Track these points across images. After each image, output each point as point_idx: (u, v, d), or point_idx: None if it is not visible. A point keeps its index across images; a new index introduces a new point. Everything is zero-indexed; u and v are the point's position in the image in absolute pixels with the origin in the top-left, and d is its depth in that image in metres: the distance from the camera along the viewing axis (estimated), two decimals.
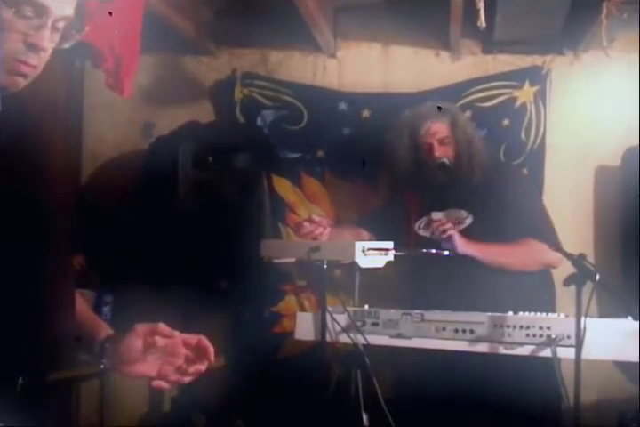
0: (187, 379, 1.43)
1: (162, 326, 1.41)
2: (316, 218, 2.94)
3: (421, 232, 3.02)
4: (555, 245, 2.75)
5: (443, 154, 2.99)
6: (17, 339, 1.24)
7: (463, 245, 2.79)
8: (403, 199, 3.15)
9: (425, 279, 3.01)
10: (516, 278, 2.88)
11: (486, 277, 2.87)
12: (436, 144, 3.00)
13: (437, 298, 2.83)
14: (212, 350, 1.42)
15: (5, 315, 1.23)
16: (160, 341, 1.39)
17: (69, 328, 1.39)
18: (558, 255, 2.78)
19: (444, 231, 2.76)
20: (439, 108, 3.06)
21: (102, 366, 1.42)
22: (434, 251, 2.70)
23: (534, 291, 2.91)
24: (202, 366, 1.43)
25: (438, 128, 3.02)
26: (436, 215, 3.01)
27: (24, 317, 1.26)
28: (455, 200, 2.99)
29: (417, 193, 3.11)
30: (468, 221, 2.95)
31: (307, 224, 2.90)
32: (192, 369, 1.42)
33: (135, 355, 1.40)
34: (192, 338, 1.43)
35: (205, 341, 1.43)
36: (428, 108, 3.09)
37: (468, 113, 3.47)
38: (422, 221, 3.05)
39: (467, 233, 2.89)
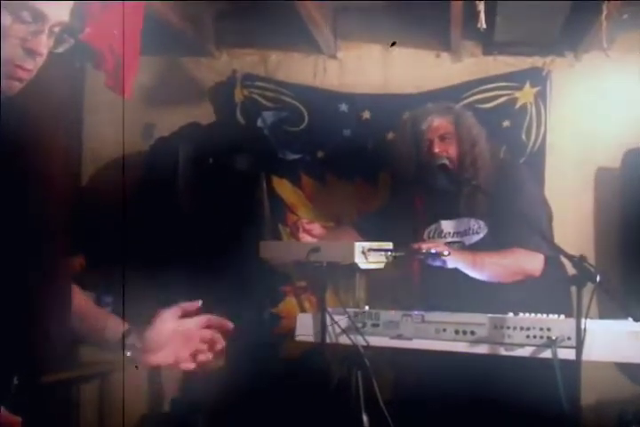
0: (200, 364, 1.49)
1: (187, 305, 1.47)
2: (306, 226, 2.96)
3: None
4: (546, 252, 2.75)
5: (442, 150, 2.93)
6: (12, 339, 1.25)
7: (452, 259, 2.70)
8: (409, 202, 3.10)
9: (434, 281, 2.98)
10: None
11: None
12: (436, 140, 2.94)
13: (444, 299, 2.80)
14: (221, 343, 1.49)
15: (2, 314, 1.23)
16: (183, 324, 1.46)
17: (66, 329, 1.39)
18: (540, 265, 2.79)
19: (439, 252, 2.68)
20: (444, 106, 3.03)
21: (127, 355, 1.45)
22: (433, 251, 2.68)
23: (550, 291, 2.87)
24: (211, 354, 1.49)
25: (440, 124, 2.96)
26: (447, 225, 2.99)
27: (20, 316, 1.26)
28: (465, 207, 2.94)
29: (424, 195, 3.05)
30: (484, 232, 2.91)
31: (301, 231, 2.94)
32: (203, 355, 1.49)
33: (163, 340, 1.44)
34: (216, 320, 1.51)
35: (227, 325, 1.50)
36: (432, 105, 3.05)
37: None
38: (432, 230, 3.03)
39: (481, 242, 2.88)
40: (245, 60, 3.82)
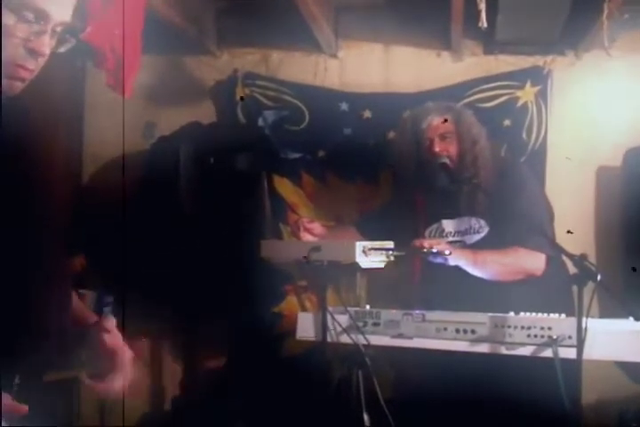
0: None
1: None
2: (307, 225, 2.97)
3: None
4: (547, 252, 2.75)
5: (443, 150, 2.93)
6: (13, 338, 1.25)
7: (453, 257, 2.71)
8: (410, 201, 3.10)
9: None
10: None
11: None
12: (436, 139, 2.94)
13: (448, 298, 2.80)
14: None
15: (2, 314, 1.23)
16: (106, 338, 1.40)
17: (66, 328, 1.39)
18: (541, 265, 2.79)
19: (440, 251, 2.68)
20: (444, 105, 3.03)
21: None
22: (435, 250, 2.68)
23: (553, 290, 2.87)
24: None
25: (440, 123, 2.97)
26: (448, 224, 2.98)
27: (20, 316, 1.26)
28: (466, 206, 2.93)
29: (425, 195, 3.05)
30: (485, 231, 2.90)
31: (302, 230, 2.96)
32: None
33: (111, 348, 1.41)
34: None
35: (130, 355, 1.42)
36: (431, 104, 3.05)
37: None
38: (433, 229, 3.03)
39: (482, 241, 2.88)
40: (246, 59, 3.82)
